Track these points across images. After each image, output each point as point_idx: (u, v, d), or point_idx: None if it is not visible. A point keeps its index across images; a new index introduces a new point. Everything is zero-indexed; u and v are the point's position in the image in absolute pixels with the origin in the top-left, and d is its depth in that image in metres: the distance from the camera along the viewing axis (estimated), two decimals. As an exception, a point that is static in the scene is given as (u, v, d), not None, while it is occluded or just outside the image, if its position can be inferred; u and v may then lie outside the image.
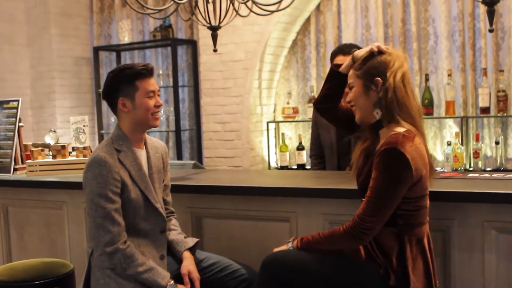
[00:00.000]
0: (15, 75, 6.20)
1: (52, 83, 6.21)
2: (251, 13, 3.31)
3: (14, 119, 3.62)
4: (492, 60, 4.69)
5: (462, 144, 4.62)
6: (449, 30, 4.84)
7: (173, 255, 2.60)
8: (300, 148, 5.34)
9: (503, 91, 4.57)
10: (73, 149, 3.65)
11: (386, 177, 2.11)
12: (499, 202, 2.36)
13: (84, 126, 3.62)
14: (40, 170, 3.48)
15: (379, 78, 2.22)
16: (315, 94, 5.30)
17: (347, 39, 5.16)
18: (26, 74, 6.31)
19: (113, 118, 6.20)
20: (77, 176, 3.13)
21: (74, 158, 3.57)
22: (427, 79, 4.80)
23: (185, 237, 2.66)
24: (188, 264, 2.53)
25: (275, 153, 5.59)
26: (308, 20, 5.44)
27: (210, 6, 3.21)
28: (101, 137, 6.22)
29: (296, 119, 5.43)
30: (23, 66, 6.28)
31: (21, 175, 3.56)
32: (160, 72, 6.00)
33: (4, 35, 6.07)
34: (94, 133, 6.34)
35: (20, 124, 3.67)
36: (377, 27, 5.09)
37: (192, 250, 2.61)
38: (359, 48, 3.40)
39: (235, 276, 2.55)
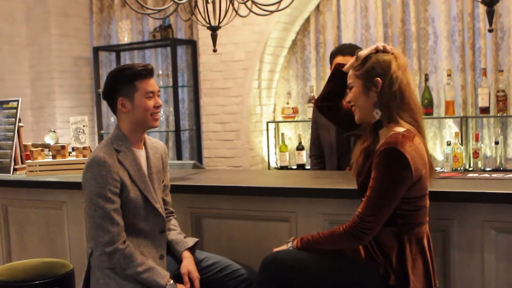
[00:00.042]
0: (15, 75, 6.20)
1: (51, 83, 6.21)
2: (251, 13, 3.32)
3: (13, 119, 3.63)
4: (491, 60, 4.69)
5: (461, 144, 4.63)
6: (449, 30, 4.85)
7: (172, 255, 2.60)
8: (299, 148, 5.35)
9: (503, 91, 4.57)
10: (73, 149, 3.65)
11: (385, 177, 2.11)
12: (499, 202, 2.36)
13: (83, 126, 3.63)
14: (40, 170, 3.48)
15: (378, 79, 2.22)
16: (315, 94, 5.30)
17: (346, 39, 5.17)
18: (25, 74, 6.32)
19: (113, 118, 6.20)
20: (76, 176, 3.13)
21: (74, 158, 3.57)
22: (426, 79, 4.80)
23: (184, 237, 2.66)
24: (188, 264, 2.53)
25: (275, 153, 5.59)
26: (307, 20, 5.44)
27: (210, 6, 3.21)
28: (101, 137, 6.22)
29: (295, 119, 5.43)
30: (22, 66, 6.28)
31: (21, 175, 3.56)
32: (160, 72, 6.00)
33: (4, 35, 6.07)
34: (94, 133, 6.34)
35: (20, 124, 3.67)
36: (376, 27, 5.09)
37: (191, 250, 2.61)
38: (358, 48, 3.42)
39: (235, 276, 2.55)
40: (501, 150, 4.61)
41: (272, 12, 3.20)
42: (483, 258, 2.42)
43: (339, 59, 3.32)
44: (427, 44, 4.96)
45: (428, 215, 2.27)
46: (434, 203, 2.34)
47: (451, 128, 4.88)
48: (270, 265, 2.29)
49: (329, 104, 2.58)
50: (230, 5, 3.21)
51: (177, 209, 2.84)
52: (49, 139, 3.76)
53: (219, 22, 3.24)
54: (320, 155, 3.63)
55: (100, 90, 5.89)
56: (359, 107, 2.29)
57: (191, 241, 2.64)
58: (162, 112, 5.91)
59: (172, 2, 2.96)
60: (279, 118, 5.61)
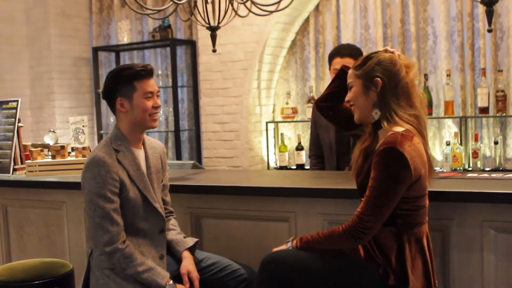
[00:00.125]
0: (14, 75, 6.20)
1: (51, 83, 6.21)
2: (250, 14, 3.32)
3: (13, 119, 3.63)
4: (491, 60, 4.70)
5: (461, 144, 4.63)
6: (448, 30, 4.85)
7: (172, 255, 2.60)
8: (299, 148, 5.35)
9: (502, 91, 4.58)
10: (72, 149, 3.65)
11: (385, 176, 2.11)
12: (498, 202, 2.36)
13: (83, 126, 3.63)
14: (39, 170, 3.48)
15: (378, 79, 2.22)
16: (314, 94, 5.30)
17: (346, 39, 5.17)
18: (25, 74, 6.32)
19: (112, 119, 6.20)
20: (76, 176, 3.13)
21: (73, 158, 3.57)
22: (426, 79, 4.80)
23: (184, 237, 2.66)
24: (188, 264, 2.53)
25: (274, 153, 5.59)
26: (307, 20, 5.45)
27: (209, 7, 3.21)
28: (100, 138, 6.22)
29: (295, 119, 5.44)
30: (22, 66, 6.28)
31: (20, 175, 3.56)
32: (159, 72, 6.00)
33: (3, 35, 6.07)
34: (93, 133, 6.34)
35: (20, 124, 3.67)
36: (376, 27, 5.10)
37: (191, 250, 2.61)
38: (357, 48, 3.43)
39: (235, 276, 2.55)
40: (500, 150, 4.61)
41: (271, 12, 3.21)
42: (483, 258, 2.42)
43: (337, 61, 3.32)
44: (427, 44, 4.97)
45: (428, 215, 2.27)
46: (433, 203, 2.34)
47: (450, 128, 4.88)
48: (270, 265, 2.29)
49: (329, 104, 2.58)
50: (230, 5, 3.21)
51: (177, 209, 2.84)
52: (48, 139, 3.76)
53: (219, 22, 3.24)
54: (320, 155, 3.63)
55: (100, 90, 5.89)
56: (359, 106, 2.29)
57: (190, 241, 2.64)
58: (161, 112, 5.91)
59: (171, 2, 2.96)
60: (278, 118, 5.61)
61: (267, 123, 5.50)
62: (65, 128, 5.90)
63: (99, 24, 6.53)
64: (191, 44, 6.00)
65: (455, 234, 2.46)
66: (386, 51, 2.29)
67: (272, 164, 5.57)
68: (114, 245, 2.37)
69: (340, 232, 2.19)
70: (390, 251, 2.18)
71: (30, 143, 3.74)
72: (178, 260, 2.57)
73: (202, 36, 5.42)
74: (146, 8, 3.11)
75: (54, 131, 3.83)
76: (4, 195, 3.52)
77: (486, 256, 2.41)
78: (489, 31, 2.67)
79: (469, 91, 4.78)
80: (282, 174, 4.30)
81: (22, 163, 3.65)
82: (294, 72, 5.58)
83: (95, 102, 6.35)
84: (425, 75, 4.82)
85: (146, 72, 2.52)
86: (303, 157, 5.31)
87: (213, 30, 3.26)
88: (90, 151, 3.54)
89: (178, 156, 5.80)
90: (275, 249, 2.38)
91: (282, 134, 5.52)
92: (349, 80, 2.33)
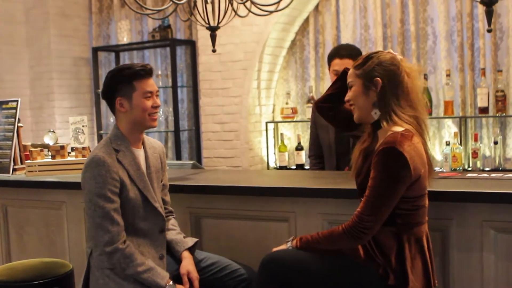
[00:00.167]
0: (14, 75, 6.20)
1: (51, 83, 6.21)
2: (250, 14, 3.32)
3: (13, 119, 3.63)
4: (490, 60, 4.70)
5: (460, 144, 4.63)
6: (448, 30, 4.85)
7: (172, 255, 2.60)
8: (299, 148, 5.35)
9: (502, 91, 4.58)
10: (72, 149, 3.65)
11: (384, 176, 2.11)
12: (498, 202, 2.36)
13: (83, 126, 3.63)
14: (39, 171, 3.48)
15: (379, 79, 2.22)
16: (314, 94, 5.30)
17: (345, 39, 5.17)
18: (25, 74, 6.32)
19: (112, 119, 6.20)
20: (76, 176, 3.13)
21: (73, 158, 3.57)
22: (425, 79, 4.80)
23: (184, 237, 2.66)
24: (187, 264, 2.53)
25: (274, 153, 5.59)
26: (306, 20, 5.45)
27: (209, 7, 3.21)
28: (100, 138, 6.22)
29: (295, 119, 5.44)
30: (22, 66, 6.28)
31: (20, 175, 3.56)
32: (159, 72, 6.00)
33: (3, 35, 6.07)
34: (93, 133, 6.34)
35: (19, 124, 3.67)
36: (375, 27, 5.10)
37: (191, 250, 2.61)
38: (356, 48, 3.43)
39: (234, 276, 2.55)
40: (500, 150, 4.61)
41: (271, 12, 3.21)
42: (482, 258, 2.42)
43: (336, 62, 3.32)
44: (426, 44, 4.97)
45: (427, 215, 2.27)
46: (433, 203, 2.34)
47: (450, 128, 4.88)
48: (270, 265, 2.29)
49: (330, 105, 2.58)
50: (229, 5, 3.21)
51: (177, 209, 2.84)
52: (48, 139, 3.76)
53: (218, 23, 3.24)
54: (319, 155, 3.63)
55: (100, 91, 5.89)
56: (358, 106, 2.29)
57: (190, 241, 2.64)
58: (161, 112, 5.91)
59: (171, 2, 2.96)
60: (278, 118, 5.61)
61: (266, 123, 5.51)
62: (65, 128, 5.90)
63: (99, 24, 6.53)
64: (191, 44, 6.00)
65: (454, 234, 2.46)
66: (389, 53, 2.30)
67: (272, 164, 5.57)
68: (114, 245, 2.37)
69: (340, 232, 2.19)
70: (389, 251, 2.19)
71: (30, 143, 3.75)
72: (178, 260, 2.57)
73: (202, 36, 5.42)
74: (146, 8, 3.11)
75: (53, 131, 3.83)
76: (4, 195, 3.52)
77: (486, 256, 2.41)
78: (489, 31, 2.67)
79: (468, 91, 4.78)
80: (282, 174, 4.30)
81: (22, 163, 3.65)
82: (293, 72, 5.58)
83: (95, 102, 6.36)
84: (425, 75, 4.82)
85: (146, 72, 2.52)
86: (302, 157, 5.32)
87: (212, 30, 3.26)
88: (90, 151, 3.55)
89: (178, 156, 5.80)
90: (275, 249, 2.38)
91: (281, 134, 5.52)
92: (349, 80, 2.33)
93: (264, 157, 5.52)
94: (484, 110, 4.58)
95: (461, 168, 4.57)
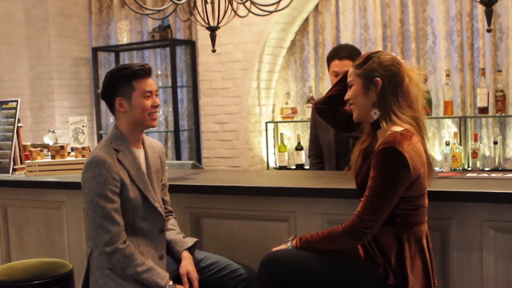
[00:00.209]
0: (14, 75, 6.20)
1: (50, 83, 6.22)
2: (250, 14, 3.32)
3: (13, 119, 3.63)
4: (490, 60, 4.70)
5: (460, 144, 4.63)
6: (447, 30, 4.85)
7: (172, 255, 2.60)
8: (298, 148, 5.35)
9: (501, 91, 4.58)
10: (72, 149, 3.66)
11: (384, 176, 2.12)
12: (498, 202, 2.36)
13: (83, 126, 3.63)
14: (39, 171, 3.48)
15: (379, 79, 2.22)
16: (314, 94, 5.30)
17: (345, 39, 5.17)
18: (25, 74, 6.32)
19: (111, 119, 6.19)
20: (76, 176, 3.13)
21: (73, 158, 3.57)
22: (425, 79, 4.80)
23: (184, 237, 2.66)
24: (187, 264, 2.53)
25: (274, 153, 5.60)
26: (306, 20, 5.45)
27: (209, 7, 3.21)
28: (100, 138, 6.22)
29: (294, 119, 5.44)
30: (21, 66, 6.28)
31: (20, 176, 3.56)
32: (159, 72, 6.00)
33: (2, 35, 6.07)
34: (93, 133, 6.34)
35: (19, 124, 3.67)
36: (375, 28, 5.10)
37: (191, 250, 2.61)
38: (355, 49, 3.43)
39: (234, 276, 2.55)
40: (499, 150, 4.61)
41: (271, 12, 3.21)
42: (482, 258, 2.42)
43: (336, 63, 3.32)
44: (426, 44, 4.97)
45: (427, 215, 2.27)
46: (433, 203, 2.34)
47: (449, 128, 4.88)
48: (269, 265, 2.29)
49: (330, 107, 2.58)
50: (229, 5, 3.21)
51: (176, 209, 2.84)
52: (48, 139, 3.76)
53: (218, 23, 3.24)
54: (319, 155, 3.63)
55: (99, 91, 5.89)
56: (358, 106, 2.29)
57: (190, 241, 2.64)
58: (161, 112, 5.91)
59: (171, 2, 2.96)
60: (278, 118, 5.62)
61: (266, 123, 5.51)
62: (65, 128, 5.90)
63: (99, 24, 6.53)
64: (191, 44, 6.00)
65: (454, 234, 2.46)
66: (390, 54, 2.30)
67: (271, 164, 5.57)
68: (114, 245, 2.37)
69: (340, 232, 2.19)
70: (389, 251, 2.19)
71: (29, 143, 3.74)
72: (178, 260, 2.57)
73: (202, 36, 5.43)
74: (146, 8, 3.11)
75: (53, 131, 3.83)
76: (4, 195, 3.52)
77: (486, 256, 2.41)
78: (489, 31, 2.67)
79: (468, 91, 4.78)
80: (281, 174, 4.30)
81: (21, 163, 3.65)
82: (293, 72, 5.58)
83: (94, 102, 6.36)
84: (425, 75, 4.81)
85: (144, 72, 2.52)
86: (302, 157, 5.32)
87: (212, 30, 3.26)
88: (90, 151, 3.55)
89: (178, 156, 5.80)
90: (274, 249, 2.38)
91: (281, 134, 5.52)
92: (349, 79, 2.33)
93: (264, 157, 5.52)
94: (483, 110, 4.58)
95: (460, 168, 4.57)
